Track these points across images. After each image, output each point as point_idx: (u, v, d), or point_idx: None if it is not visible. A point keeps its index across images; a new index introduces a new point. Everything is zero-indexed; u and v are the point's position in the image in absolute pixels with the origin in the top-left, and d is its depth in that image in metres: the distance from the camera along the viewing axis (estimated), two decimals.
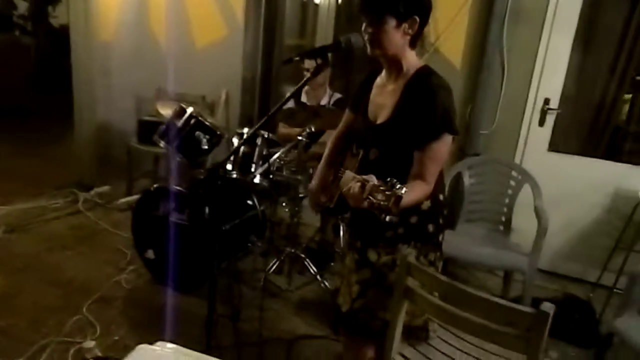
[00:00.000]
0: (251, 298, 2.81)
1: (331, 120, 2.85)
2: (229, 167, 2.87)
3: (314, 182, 1.95)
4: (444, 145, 1.56)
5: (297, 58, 1.63)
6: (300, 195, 2.93)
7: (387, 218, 1.28)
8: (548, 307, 1.28)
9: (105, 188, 4.27)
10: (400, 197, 1.24)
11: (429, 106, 1.52)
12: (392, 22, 1.54)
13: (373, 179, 1.31)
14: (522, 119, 3.35)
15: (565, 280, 3.43)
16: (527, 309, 1.32)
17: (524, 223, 3.00)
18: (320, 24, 4.11)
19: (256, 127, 1.71)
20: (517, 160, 3.38)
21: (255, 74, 4.28)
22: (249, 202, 3.12)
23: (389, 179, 1.28)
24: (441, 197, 1.73)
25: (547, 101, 3.28)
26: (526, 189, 3.00)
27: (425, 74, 1.60)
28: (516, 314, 1.34)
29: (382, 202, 1.26)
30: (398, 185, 1.26)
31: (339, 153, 1.94)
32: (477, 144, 3.37)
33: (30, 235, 3.43)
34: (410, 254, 1.56)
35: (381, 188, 1.27)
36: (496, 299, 1.37)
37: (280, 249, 3.16)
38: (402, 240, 1.67)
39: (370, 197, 1.28)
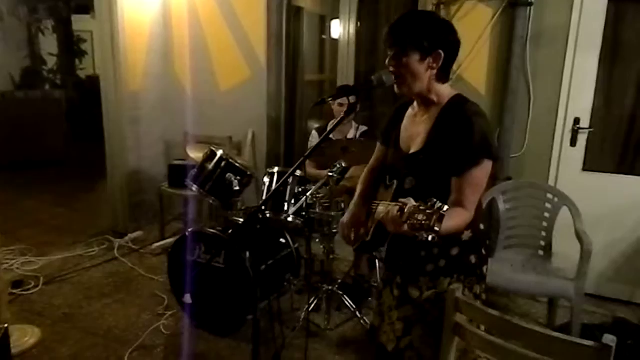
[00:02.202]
0: (290, 338, 2.78)
1: (360, 153, 2.86)
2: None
3: (346, 217, 1.91)
4: (483, 171, 1.52)
5: (329, 99, 1.64)
6: (334, 231, 2.91)
7: (430, 237, 1.24)
8: (610, 339, 1.23)
9: (138, 233, 4.34)
10: (442, 215, 1.21)
11: (466, 132, 1.50)
12: (415, 56, 1.54)
13: (411, 201, 1.29)
14: (552, 140, 3.30)
15: (612, 303, 3.30)
16: (587, 342, 1.26)
17: (564, 246, 2.92)
18: (341, 58, 4.16)
19: (294, 167, 1.71)
20: (551, 182, 3.31)
21: (280, 113, 4.36)
22: (282, 240, 3.12)
23: (428, 200, 1.25)
24: (482, 226, 1.69)
25: (577, 121, 3.24)
26: (564, 212, 2.92)
27: (459, 102, 1.60)
28: (575, 348, 1.28)
29: (423, 222, 1.22)
30: (439, 204, 1.23)
31: (371, 192, 1.92)
32: (508, 168, 3.33)
33: (69, 285, 3.47)
34: (457, 289, 1.53)
35: (421, 208, 1.24)
36: (553, 333, 1.32)
37: (316, 286, 3.13)
38: (444, 273, 1.63)
39: (410, 220, 1.25)
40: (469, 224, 1.56)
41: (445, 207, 1.22)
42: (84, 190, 5.78)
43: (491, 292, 2.99)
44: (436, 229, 1.21)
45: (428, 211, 1.22)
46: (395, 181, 1.70)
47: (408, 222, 1.25)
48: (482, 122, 1.53)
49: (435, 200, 1.24)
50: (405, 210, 1.26)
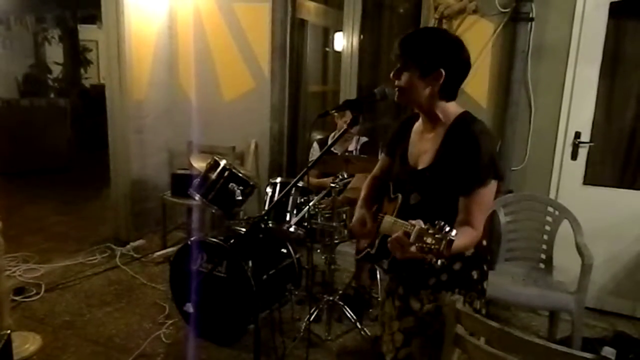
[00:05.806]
0: (291, 348, 2.78)
1: (361, 165, 2.88)
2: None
3: (353, 220, 1.91)
4: (490, 191, 1.55)
5: (333, 111, 1.67)
6: (335, 242, 2.93)
7: (439, 262, 1.25)
8: (609, 352, 1.24)
9: (140, 242, 4.35)
10: (451, 241, 1.21)
11: (473, 152, 1.51)
12: (415, 72, 1.56)
13: (420, 223, 1.29)
14: (553, 154, 3.32)
15: (613, 317, 3.30)
16: (587, 355, 1.27)
17: (565, 259, 2.92)
18: (344, 70, 4.20)
19: (297, 179, 1.73)
20: (551, 195, 3.32)
21: (283, 123, 4.39)
22: (284, 250, 3.13)
23: (436, 222, 1.26)
24: (484, 242, 1.71)
25: (578, 134, 3.26)
26: (564, 225, 2.93)
27: (466, 121, 1.60)
28: None
29: (433, 246, 1.22)
30: (447, 228, 1.23)
31: (375, 197, 1.94)
32: (509, 181, 3.34)
33: (71, 292, 3.48)
34: (457, 300, 1.54)
35: (430, 232, 1.24)
36: (554, 346, 1.32)
37: (317, 296, 3.13)
38: (446, 287, 1.65)
39: (419, 242, 1.25)
40: (477, 241, 1.58)
41: (454, 232, 1.22)
42: (87, 198, 5.80)
43: (492, 305, 3.01)
44: (445, 254, 1.22)
45: (437, 235, 1.22)
46: (399, 195, 1.71)
47: (417, 244, 1.26)
48: (489, 142, 1.55)
49: (442, 223, 1.24)
50: (413, 233, 1.26)
